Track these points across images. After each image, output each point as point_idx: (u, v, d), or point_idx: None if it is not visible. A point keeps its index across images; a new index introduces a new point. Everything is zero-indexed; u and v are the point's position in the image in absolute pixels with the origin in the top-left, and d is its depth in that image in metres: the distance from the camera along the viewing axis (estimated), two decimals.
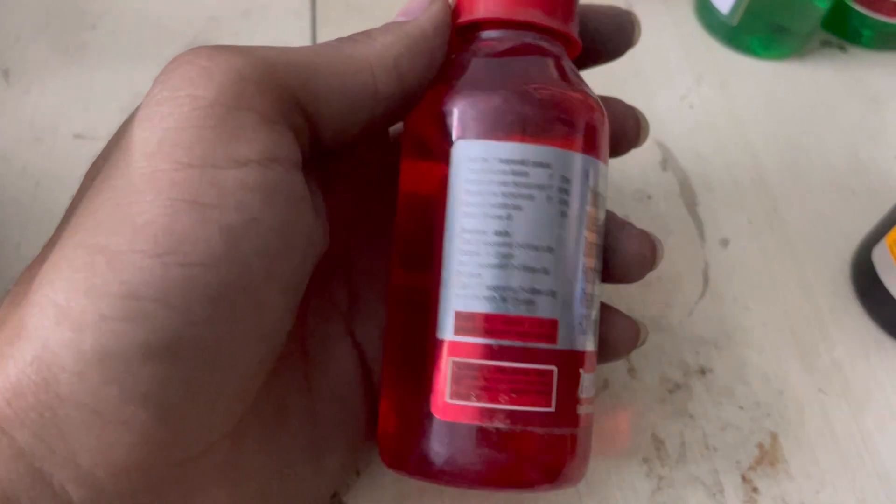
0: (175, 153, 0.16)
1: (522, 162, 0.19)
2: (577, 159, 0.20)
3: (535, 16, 0.21)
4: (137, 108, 0.18)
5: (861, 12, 0.39)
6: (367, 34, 0.20)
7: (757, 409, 0.28)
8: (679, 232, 0.32)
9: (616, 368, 0.28)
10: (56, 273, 0.16)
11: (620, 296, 0.30)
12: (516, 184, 0.19)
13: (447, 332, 0.19)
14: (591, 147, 0.21)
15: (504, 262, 0.19)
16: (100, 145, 0.31)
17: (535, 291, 0.19)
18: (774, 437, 0.27)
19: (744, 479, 0.26)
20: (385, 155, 0.24)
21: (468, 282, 0.19)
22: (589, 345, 0.21)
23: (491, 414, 0.19)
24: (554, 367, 0.20)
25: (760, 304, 0.30)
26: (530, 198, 0.19)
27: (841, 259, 0.32)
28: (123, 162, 0.16)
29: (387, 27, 0.21)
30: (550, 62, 0.21)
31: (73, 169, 0.30)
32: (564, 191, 0.20)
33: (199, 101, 0.17)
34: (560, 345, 0.20)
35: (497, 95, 0.20)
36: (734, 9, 0.37)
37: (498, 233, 0.19)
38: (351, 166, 0.24)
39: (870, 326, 0.30)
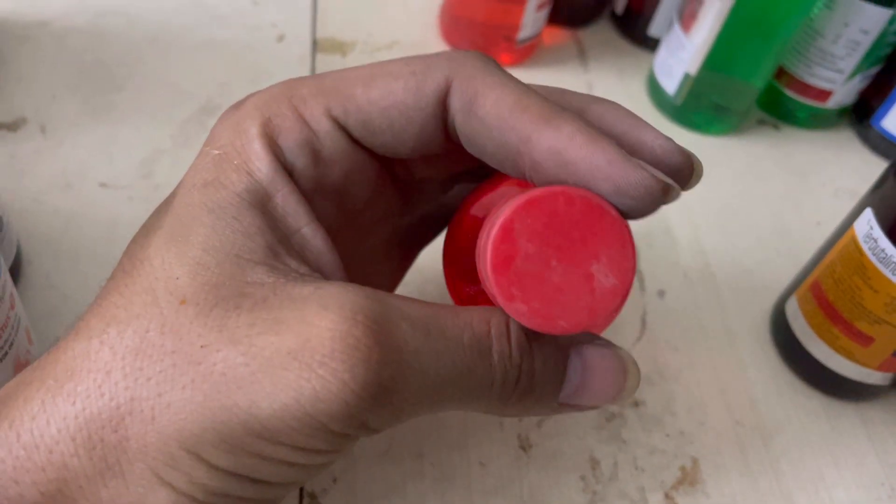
0: (281, 442, 0.18)
1: None
2: None
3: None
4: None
5: (792, 97, 0.44)
6: (517, 395, 0.20)
7: (681, 437, 0.32)
8: None
9: None
10: (165, 457, 0.18)
11: None
12: None
13: None
14: None
15: None
16: (121, 193, 0.36)
17: None
18: (695, 461, 0.31)
19: (666, 496, 0.30)
20: None
21: None
22: None
23: None
24: None
25: (690, 347, 0.35)
26: None
27: (762, 310, 0.36)
28: (236, 416, 0.17)
29: (543, 402, 0.21)
30: None
31: (97, 212, 0.35)
32: None
33: (327, 437, 0.18)
34: None
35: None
36: (679, 90, 0.42)
37: None
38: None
39: (783, 368, 0.35)
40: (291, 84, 0.22)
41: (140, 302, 0.18)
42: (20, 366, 0.25)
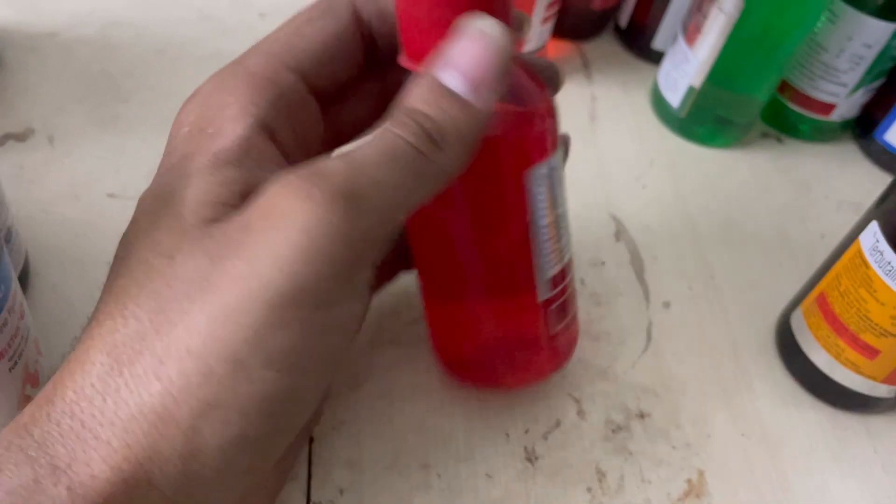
0: (308, 299, 0.19)
1: (555, 167, 0.26)
2: None
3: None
4: (263, 231, 0.19)
5: (796, 110, 0.45)
6: (442, 139, 0.21)
7: (687, 450, 0.32)
8: (628, 294, 0.37)
9: (567, 410, 0.32)
10: (205, 380, 0.19)
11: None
12: (559, 181, 0.26)
13: (544, 294, 0.27)
14: None
15: (562, 233, 0.27)
16: (129, 203, 0.36)
17: (568, 243, 0.28)
18: (701, 473, 0.31)
19: None
20: None
21: (551, 256, 0.27)
22: None
23: (570, 326, 0.30)
24: (572, 283, 0.29)
25: (695, 359, 0.35)
26: (561, 184, 0.27)
27: (766, 322, 0.36)
28: (262, 299, 0.19)
29: (456, 129, 0.21)
30: (526, 72, 0.25)
31: (105, 222, 0.35)
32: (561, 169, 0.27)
33: (333, 260, 0.19)
34: (573, 267, 0.29)
35: (542, 119, 0.25)
36: (683, 103, 0.43)
37: (559, 216, 0.26)
38: None
39: (788, 380, 0.35)
40: (234, 64, 0.23)
41: (140, 269, 0.20)
42: (29, 376, 0.26)
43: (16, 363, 0.24)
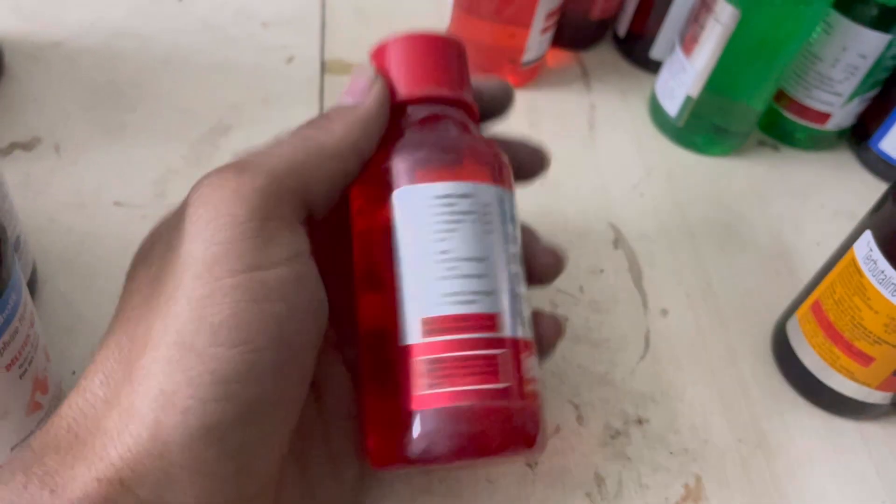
0: (230, 264, 0.21)
1: (448, 196, 0.25)
2: (490, 189, 0.26)
3: (442, 91, 0.27)
4: (183, 221, 0.22)
5: (792, 119, 0.45)
6: (326, 120, 0.25)
7: (685, 455, 0.33)
8: (626, 302, 0.37)
9: (566, 416, 0.33)
10: (159, 367, 0.20)
11: (574, 354, 0.35)
12: (448, 213, 0.25)
13: (413, 337, 0.24)
14: (498, 179, 0.26)
15: (450, 274, 0.24)
16: (135, 212, 0.36)
17: (476, 293, 0.24)
18: (699, 478, 0.32)
19: None
20: (343, 210, 0.29)
21: (424, 294, 0.24)
22: (527, 334, 0.25)
23: (458, 396, 0.23)
24: (498, 351, 0.24)
25: (692, 366, 0.35)
26: (460, 222, 0.25)
27: (763, 329, 0.37)
28: (189, 273, 0.21)
29: (341, 113, 0.25)
30: (455, 122, 0.27)
31: (111, 231, 0.36)
32: (486, 213, 0.25)
33: (238, 219, 0.21)
34: (501, 333, 0.24)
35: (422, 150, 0.26)
36: (681, 112, 0.43)
37: (442, 251, 0.24)
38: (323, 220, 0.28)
39: (784, 387, 0.35)
40: None
41: (122, 295, 0.24)
42: (38, 383, 0.26)
43: (26, 370, 0.25)
